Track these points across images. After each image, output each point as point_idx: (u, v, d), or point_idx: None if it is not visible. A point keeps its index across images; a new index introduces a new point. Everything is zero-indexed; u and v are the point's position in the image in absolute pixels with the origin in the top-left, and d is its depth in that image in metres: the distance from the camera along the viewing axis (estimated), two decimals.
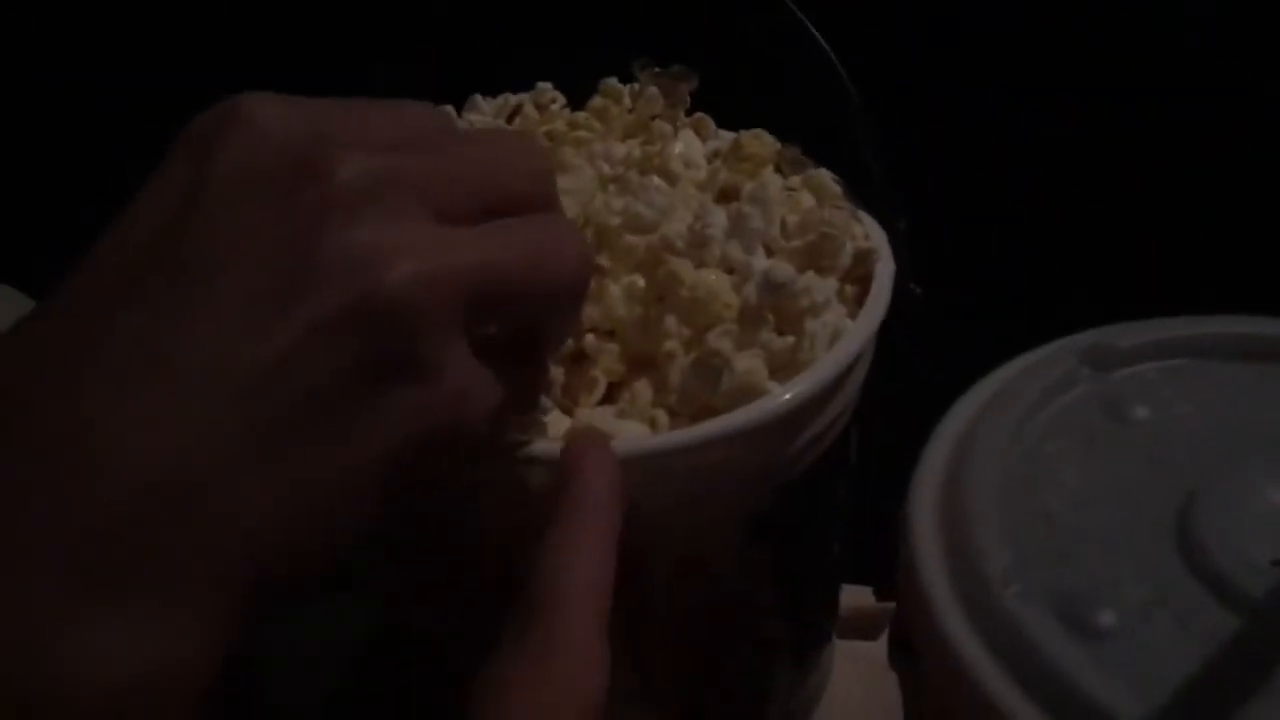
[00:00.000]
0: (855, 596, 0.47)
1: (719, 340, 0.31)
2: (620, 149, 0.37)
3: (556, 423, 0.31)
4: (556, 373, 0.31)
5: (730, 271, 0.33)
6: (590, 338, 0.32)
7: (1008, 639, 0.20)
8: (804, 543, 0.36)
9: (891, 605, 0.46)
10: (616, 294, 0.32)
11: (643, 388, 0.31)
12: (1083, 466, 0.24)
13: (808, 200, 0.36)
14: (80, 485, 0.20)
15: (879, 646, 0.47)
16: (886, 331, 0.35)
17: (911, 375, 0.36)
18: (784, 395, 0.30)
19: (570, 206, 0.34)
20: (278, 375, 0.21)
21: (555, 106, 0.39)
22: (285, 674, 0.44)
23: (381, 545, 0.38)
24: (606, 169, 0.36)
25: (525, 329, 0.27)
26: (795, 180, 0.37)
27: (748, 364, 0.31)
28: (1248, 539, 0.21)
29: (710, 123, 0.40)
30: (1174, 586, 0.21)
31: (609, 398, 0.32)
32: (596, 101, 0.39)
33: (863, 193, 0.38)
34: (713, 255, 0.33)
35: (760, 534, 0.33)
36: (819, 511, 0.36)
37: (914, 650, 0.24)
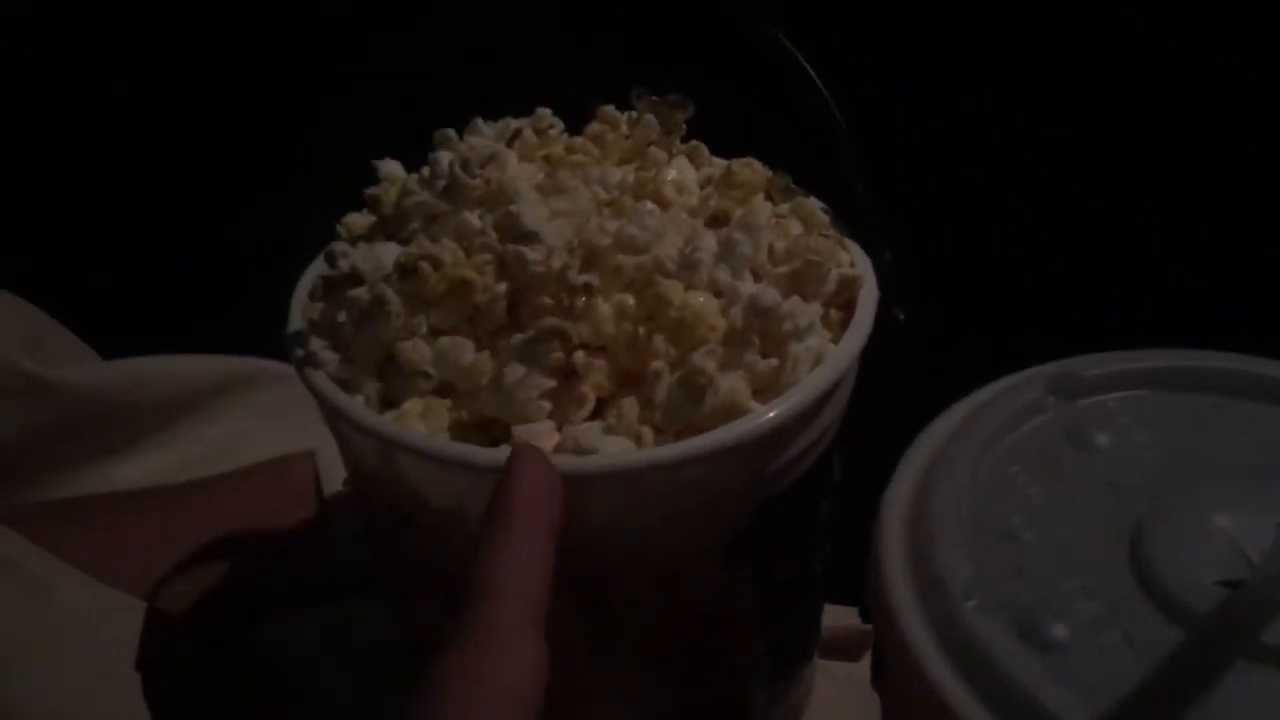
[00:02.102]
0: (840, 616, 0.48)
1: (704, 360, 0.32)
2: (616, 174, 0.38)
3: (546, 437, 0.32)
4: (547, 387, 0.32)
5: (718, 295, 0.34)
6: (580, 354, 0.33)
7: (965, 648, 0.21)
8: (785, 560, 0.36)
9: None
10: (606, 312, 0.33)
11: (629, 405, 0.32)
12: (1044, 489, 0.25)
13: (796, 227, 0.37)
14: None
15: (862, 667, 0.48)
16: (870, 355, 0.36)
17: (894, 398, 0.37)
18: (766, 414, 0.31)
19: (565, 228, 0.35)
20: None
21: (553, 131, 0.40)
22: (309, 676, 0.45)
23: (379, 554, 0.39)
24: (602, 193, 0.37)
25: None
26: (784, 208, 0.38)
27: (731, 384, 0.32)
28: (1195, 560, 0.22)
29: (704, 150, 0.41)
30: (1123, 603, 0.22)
31: (597, 413, 0.33)
32: (594, 127, 0.41)
33: (850, 221, 0.39)
34: (701, 278, 0.34)
35: (742, 551, 0.34)
36: (801, 530, 0.36)
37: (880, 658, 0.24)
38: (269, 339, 0.36)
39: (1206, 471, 0.25)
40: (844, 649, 0.48)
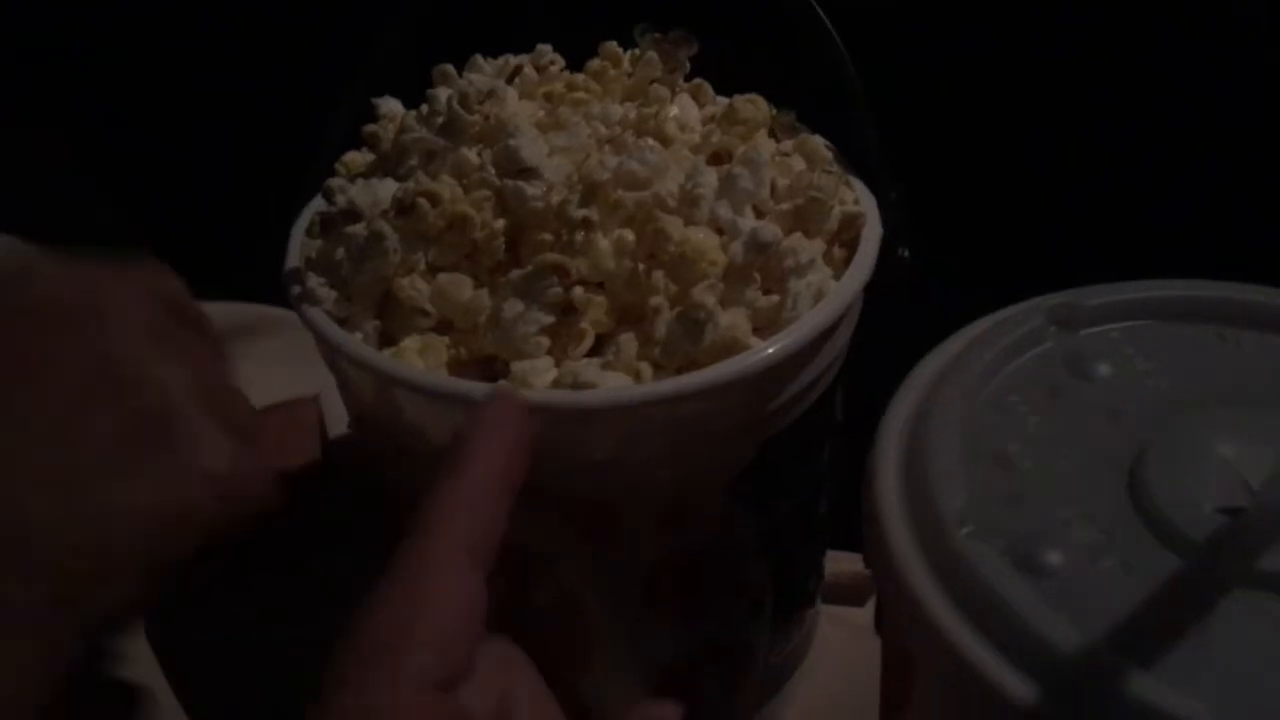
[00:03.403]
0: (845, 562, 0.48)
1: (704, 295, 0.31)
2: (617, 111, 0.38)
3: (544, 372, 0.32)
4: (545, 323, 0.32)
5: (719, 231, 0.34)
6: (579, 290, 0.32)
7: (957, 573, 0.21)
8: (787, 500, 0.36)
9: None
10: (606, 248, 0.33)
11: (628, 340, 0.32)
12: (1043, 417, 0.25)
13: (799, 164, 0.37)
14: None
15: (866, 612, 0.48)
16: (874, 296, 0.36)
17: (898, 338, 0.37)
18: (766, 350, 0.31)
19: (564, 164, 0.35)
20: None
21: (554, 68, 0.39)
22: (306, 626, 0.45)
23: (359, 496, 0.39)
24: (603, 130, 0.37)
25: None
26: (788, 145, 0.38)
27: (731, 319, 0.32)
28: (1195, 489, 0.22)
29: (708, 89, 0.41)
30: (1121, 530, 0.22)
31: (596, 350, 0.33)
32: (595, 64, 0.40)
33: (857, 162, 0.38)
34: (702, 214, 0.34)
35: (744, 489, 0.34)
36: (803, 470, 0.36)
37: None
38: (275, 287, 0.36)
39: (1209, 400, 0.24)
40: (848, 594, 0.48)
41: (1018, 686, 0.20)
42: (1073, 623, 0.20)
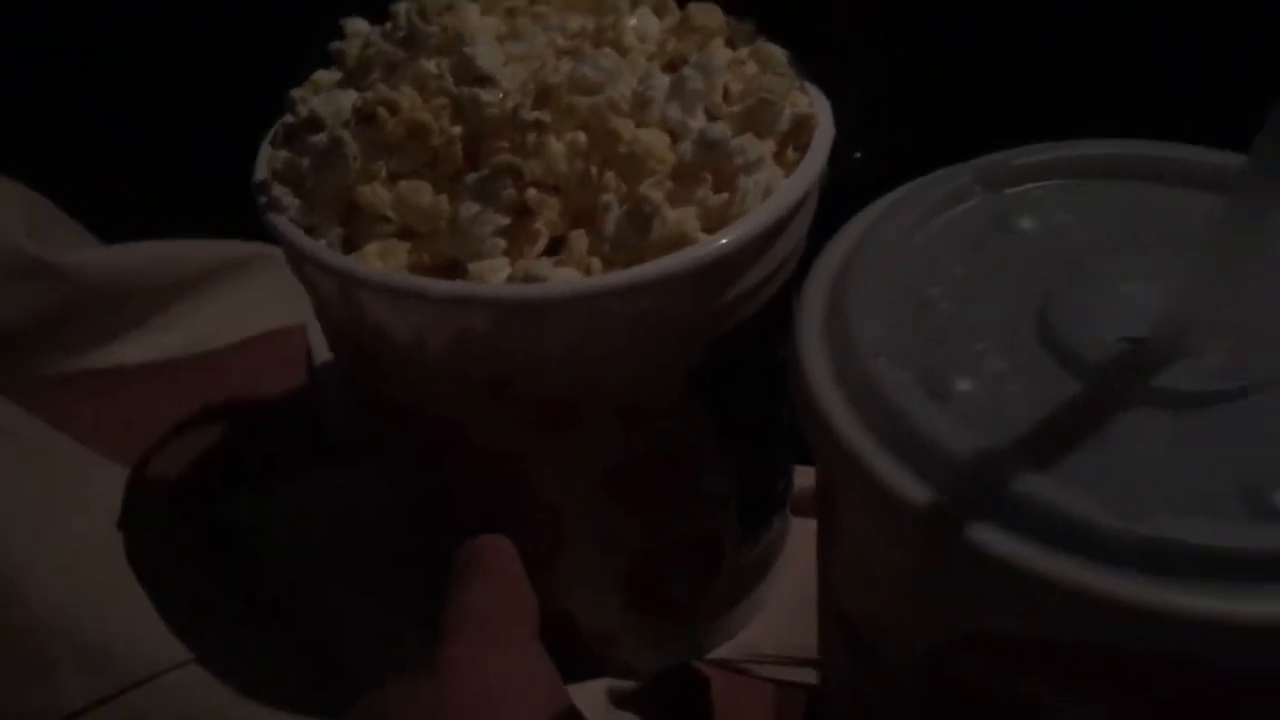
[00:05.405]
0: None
1: (651, 190, 0.32)
2: (576, 22, 0.38)
3: (500, 271, 0.33)
4: (501, 224, 0.33)
5: (671, 134, 0.35)
6: (533, 192, 0.33)
7: (869, 397, 0.22)
8: (743, 399, 0.37)
9: None
10: (559, 150, 0.33)
11: (579, 238, 0.33)
12: (965, 265, 0.26)
13: (754, 70, 0.37)
14: None
15: None
16: (832, 202, 0.37)
17: None
18: (716, 243, 0.32)
19: (519, 72, 0.35)
20: None
21: None
22: (300, 550, 0.46)
23: (360, 405, 0.40)
24: (560, 40, 0.37)
25: None
26: (744, 52, 0.38)
27: (680, 215, 0.33)
28: (1098, 322, 0.23)
29: (672, 3, 0.41)
30: (1030, 360, 0.23)
31: (550, 251, 0.34)
32: None
33: (815, 70, 0.39)
34: (653, 115, 0.34)
35: (698, 386, 0.35)
36: (757, 369, 0.37)
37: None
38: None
39: (1118, 247, 0.26)
40: None
41: (921, 494, 0.21)
42: (978, 436, 0.21)
